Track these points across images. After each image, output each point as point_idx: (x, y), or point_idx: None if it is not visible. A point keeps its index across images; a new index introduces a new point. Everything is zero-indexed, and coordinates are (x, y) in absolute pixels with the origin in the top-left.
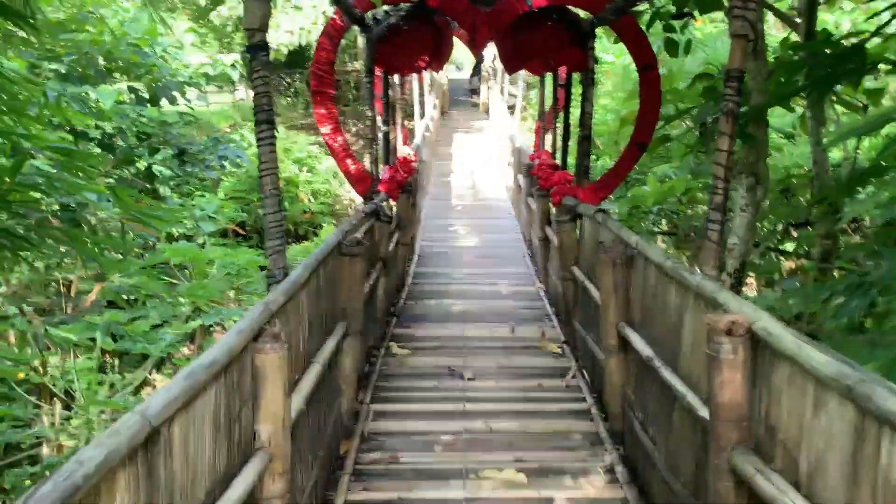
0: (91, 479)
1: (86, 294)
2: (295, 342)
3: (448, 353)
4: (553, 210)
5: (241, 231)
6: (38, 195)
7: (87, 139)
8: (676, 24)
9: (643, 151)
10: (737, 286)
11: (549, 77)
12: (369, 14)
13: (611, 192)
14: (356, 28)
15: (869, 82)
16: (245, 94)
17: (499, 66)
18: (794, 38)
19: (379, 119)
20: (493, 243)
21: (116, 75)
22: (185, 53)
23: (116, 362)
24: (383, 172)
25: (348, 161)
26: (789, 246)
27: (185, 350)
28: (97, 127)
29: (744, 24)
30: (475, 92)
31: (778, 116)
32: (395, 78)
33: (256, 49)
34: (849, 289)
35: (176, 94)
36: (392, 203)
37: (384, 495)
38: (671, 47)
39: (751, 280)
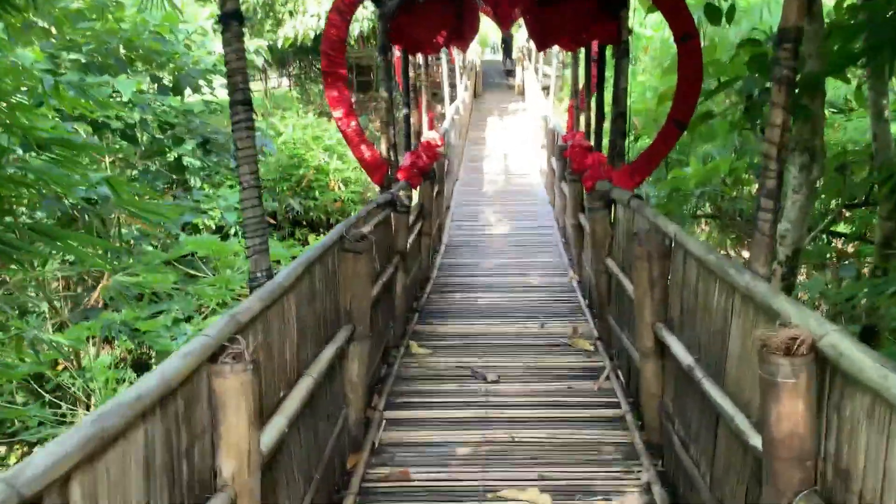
0: None
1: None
2: (278, 354)
3: (472, 351)
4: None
5: (271, 220)
6: (31, 190)
7: (110, 130)
8: None
9: (683, 130)
10: (789, 277)
11: (582, 53)
12: None
13: (647, 176)
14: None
15: None
16: (277, 82)
17: (533, 45)
18: None
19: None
20: (525, 231)
21: (138, 65)
22: (209, 41)
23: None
24: (404, 159)
25: (363, 147)
26: (843, 228)
27: None
28: (118, 118)
29: None
30: (510, 73)
31: (830, 89)
32: (420, 59)
33: (228, 17)
34: None
35: (201, 82)
36: (413, 191)
37: None
38: (712, 14)
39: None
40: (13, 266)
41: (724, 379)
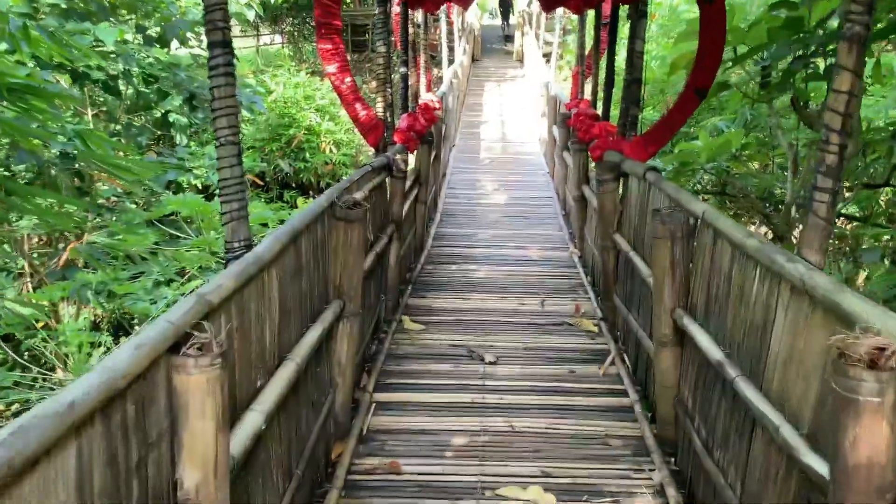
0: None
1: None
2: (256, 338)
3: (468, 329)
4: (592, 166)
5: (259, 182)
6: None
7: (91, 81)
8: None
9: (703, 98)
10: None
11: (592, 15)
12: None
13: (662, 146)
14: None
15: None
16: (270, 38)
17: (535, 9)
18: None
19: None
20: (524, 201)
21: (123, 13)
22: None
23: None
24: (401, 120)
25: (357, 106)
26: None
27: None
28: (100, 69)
29: None
30: (509, 39)
31: None
32: (420, 18)
33: None
34: None
35: (189, 34)
36: (409, 155)
37: None
38: None
39: None
40: None
41: (764, 381)
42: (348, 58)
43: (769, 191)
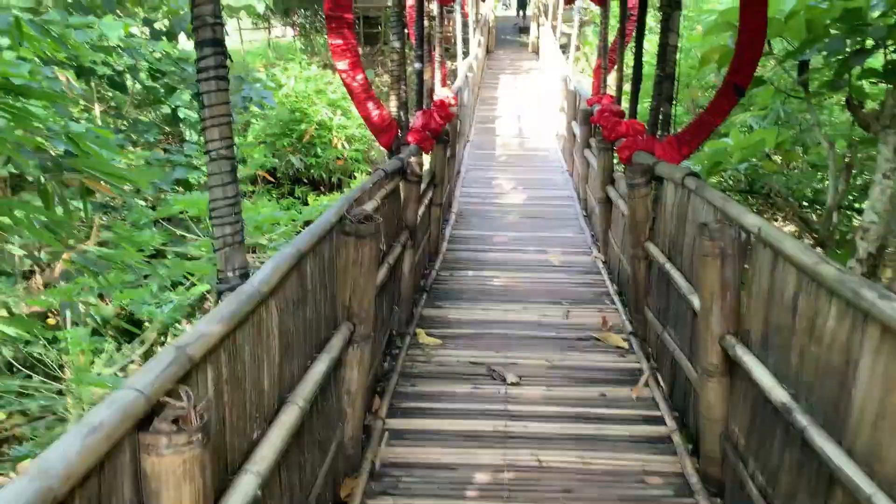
0: None
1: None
2: (252, 384)
3: (487, 343)
4: (617, 164)
5: (270, 178)
6: None
7: (97, 76)
8: None
9: (741, 96)
10: (870, 278)
11: (614, 6)
12: None
13: (697, 147)
14: None
15: None
16: (281, 31)
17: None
18: None
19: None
20: (542, 201)
21: (128, 5)
22: None
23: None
24: (415, 119)
25: (370, 105)
26: None
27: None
28: (105, 64)
29: None
30: (524, 31)
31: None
32: (434, 8)
33: None
34: None
35: None
36: (424, 155)
37: None
38: None
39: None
40: None
41: (846, 435)
42: (360, 52)
43: (801, 191)
